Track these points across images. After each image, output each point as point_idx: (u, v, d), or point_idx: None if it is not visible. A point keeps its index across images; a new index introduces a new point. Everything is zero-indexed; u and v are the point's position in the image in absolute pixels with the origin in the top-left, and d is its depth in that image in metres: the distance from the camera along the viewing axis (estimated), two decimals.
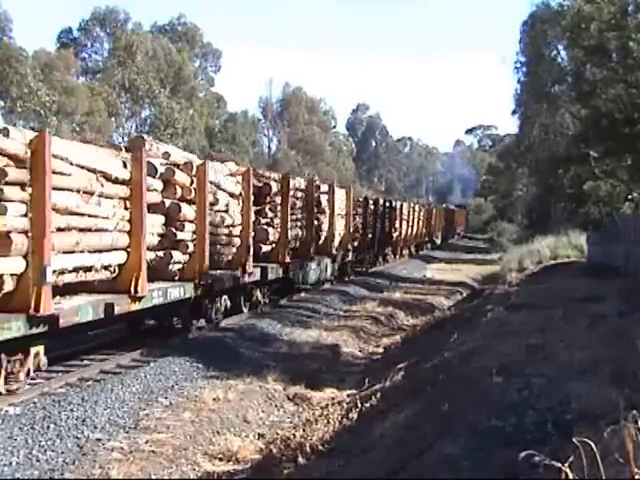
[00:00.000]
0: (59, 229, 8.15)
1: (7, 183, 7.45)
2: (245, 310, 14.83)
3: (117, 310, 9.28)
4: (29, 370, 8.17)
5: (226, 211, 13.42)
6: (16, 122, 39.04)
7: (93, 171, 8.99)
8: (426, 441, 5.19)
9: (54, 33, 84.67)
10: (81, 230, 8.75)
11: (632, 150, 24.41)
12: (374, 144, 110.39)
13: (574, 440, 3.24)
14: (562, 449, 3.64)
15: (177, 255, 11.43)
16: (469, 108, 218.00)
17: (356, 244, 25.38)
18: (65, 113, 43.08)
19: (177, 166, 11.57)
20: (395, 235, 33.88)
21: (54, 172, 7.94)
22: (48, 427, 7.26)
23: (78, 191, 8.63)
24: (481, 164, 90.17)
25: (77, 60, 51.53)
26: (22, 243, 7.59)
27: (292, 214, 17.23)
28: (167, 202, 11.18)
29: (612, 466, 3.20)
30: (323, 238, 20.43)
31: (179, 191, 11.48)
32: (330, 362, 12.27)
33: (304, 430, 7.50)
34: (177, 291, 11.21)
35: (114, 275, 9.69)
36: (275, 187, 16.51)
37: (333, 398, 9.49)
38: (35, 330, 7.76)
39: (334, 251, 21.39)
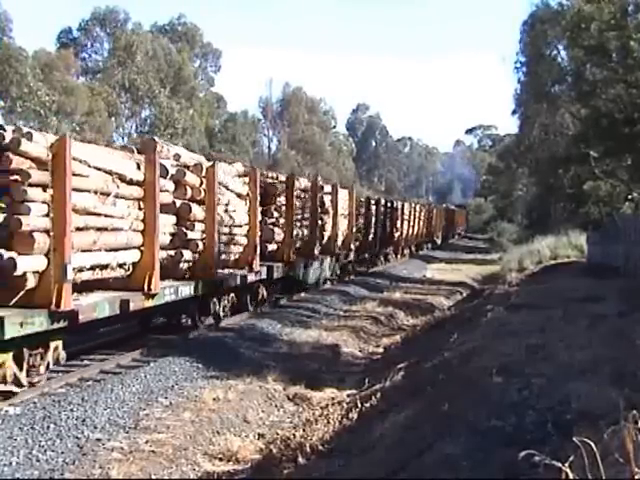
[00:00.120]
0: (78, 229, 8.47)
1: (30, 185, 7.80)
2: (251, 308, 15.12)
3: (132, 307, 9.61)
4: (49, 363, 8.48)
5: (234, 211, 13.66)
6: (16, 122, 39.04)
7: (109, 173, 9.33)
8: (426, 441, 5.19)
9: (54, 33, 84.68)
10: (98, 229, 9.09)
11: (632, 150, 24.42)
12: (374, 144, 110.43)
13: (574, 440, 3.24)
14: (562, 449, 3.64)
15: (187, 254, 11.75)
16: (469, 108, 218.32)
17: (358, 244, 25.62)
18: (65, 113, 43.05)
19: (187, 167, 11.92)
20: (396, 235, 34.11)
21: (73, 174, 8.26)
22: (48, 427, 7.26)
23: (95, 192, 8.98)
24: (481, 164, 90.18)
25: (77, 60, 51.51)
26: (44, 242, 7.90)
27: (297, 214, 17.61)
28: (178, 202, 11.50)
29: (612, 466, 3.20)
30: (326, 238, 20.71)
31: (189, 192, 11.81)
32: (330, 362, 12.27)
33: (304, 430, 7.50)
34: (187, 289, 11.53)
35: (128, 273, 10.02)
36: (280, 188, 16.86)
37: (333, 398, 9.49)
38: (56, 325, 8.08)
39: (337, 250, 21.74)
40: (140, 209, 10.14)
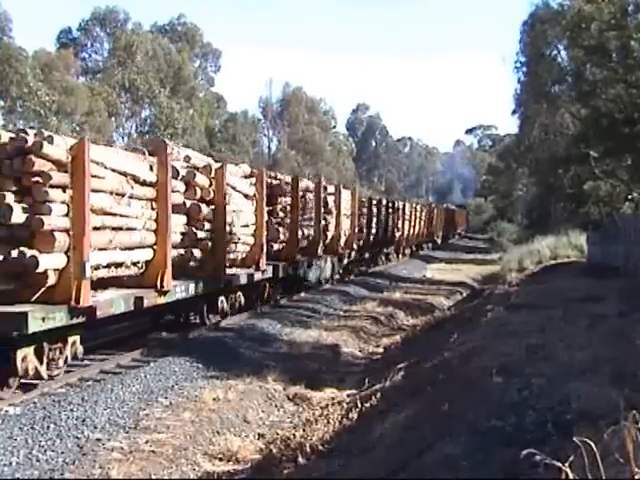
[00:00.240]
0: (95, 228, 8.79)
1: (51, 186, 8.12)
2: (257, 306, 15.52)
3: (146, 303, 9.96)
4: (67, 357, 8.82)
5: (241, 211, 13.96)
6: (16, 122, 39.06)
7: (124, 174, 9.65)
8: (426, 441, 5.18)
9: (54, 33, 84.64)
10: (114, 229, 9.41)
11: (632, 150, 24.41)
12: (374, 144, 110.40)
13: (574, 440, 3.24)
14: (562, 449, 3.64)
15: (197, 253, 12.10)
16: (469, 108, 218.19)
17: (361, 243, 25.94)
18: (65, 113, 43.03)
19: (197, 169, 12.27)
20: (398, 235, 34.41)
21: (91, 175, 8.58)
22: (48, 427, 7.26)
23: (111, 193, 9.31)
24: (481, 164, 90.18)
25: (77, 60, 51.47)
26: (64, 241, 8.23)
27: (301, 214, 17.99)
28: (188, 203, 11.83)
29: (612, 466, 3.20)
30: (330, 237, 21.08)
31: (199, 192, 12.12)
32: (330, 362, 12.27)
33: (304, 430, 7.50)
34: (197, 287, 11.86)
35: (141, 271, 10.34)
36: (286, 188, 17.24)
37: (333, 398, 9.49)
38: (75, 320, 8.42)
39: (340, 250, 22.10)
40: (153, 209, 10.47)
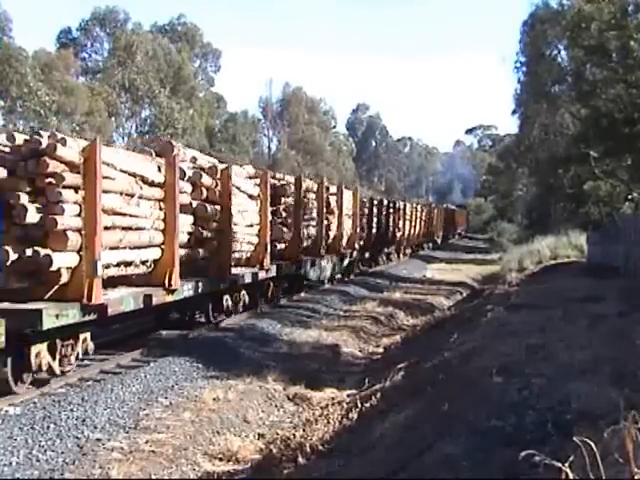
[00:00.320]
0: (106, 228, 9.03)
1: (64, 187, 8.35)
2: (261, 305, 15.78)
3: (154, 301, 10.17)
4: (78, 354, 9.04)
5: (246, 211, 14.22)
6: (16, 122, 39.07)
7: (133, 175, 9.91)
8: (426, 441, 5.18)
9: (54, 33, 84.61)
10: (123, 229, 9.66)
11: (632, 150, 24.40)
12: (374, 144, 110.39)
13: (574, 440, 3.24)
14: (562, 449, 3.64)
15: (203, 252, 12.43)
16: (469, 108, 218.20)
17: (362, 243, 26.19)
18: (65, 113, 43.03)
19: (203, 170, 12.55)
20: (399, 235, 34.62)
21: (102, 177, 8.81)
22: (48, 427, 7.26)
23: (121, 193, 9.56)
24: (481, 164, 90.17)
25: (77, 60, 51.45)
26: (76, 240, 8.48)
27: (304, 214, 18.28)
28: (194, 203, 12.08)
29: (612, 466, 3.19)
30: (332, 237, 21.36)
31: (205, 193, 12.43)
32: (330, 362, 12.26)
33: (304, 430, 7.50)
34: (204, 285, 12.09)
35: (150, 269, 10.58)
36: (289, 189, 17.52)
37: (333, 398, 9.49)
38: (87, 317, 8.66)
39: (342, 250, 22.39)
40: (161, 209, 10.72)
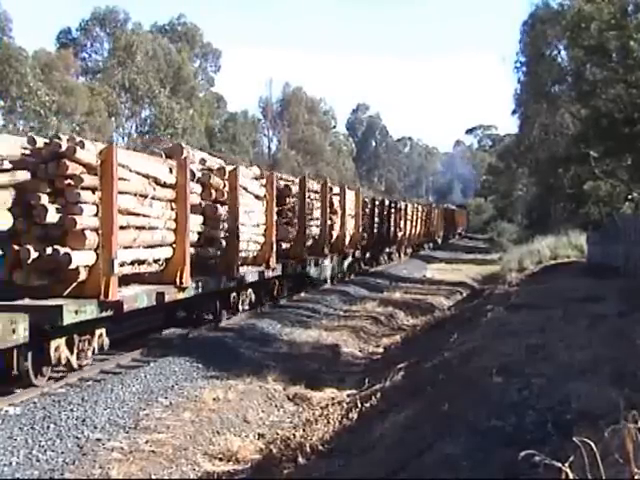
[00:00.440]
0: (121, 227, 9.36)
1: (82, 188, 8.71)
2: (266, 303, 16.12)
3: (167, 298, 10.60)
4: (94, 349, 9.38)
5: (253, 212, 14.57)
6: (16, 122, 39.06)
7: (146, 177, 10.29)
8: (426, 441, 5.18)
9: (54, 33, 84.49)
10: (137, 228, 10.02)
11: (632, 150, 24.39)
12: (374, 144, 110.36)
13: (574, 440, 3.24)
14: (562, 449, 3.64)
15: (212, 251, 12.81)
16: (469, 108, 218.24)
17: (364, 243, 26.51)
18: (65, 113, 43.02)
19: (211, 171, 12.93)
20: (400, 235, 34.83)
21: (118, 178, 9.16)
22: (48, 427, 7.26)
23: (135, 194, 9.92)
24: (481, 164, 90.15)
25: (77, 60, 51.43)
26: (93, 239, 8.85)
27: (308, 214, 18.58)
28: (204, 203, 12.46)
29: (612, 466, 3.19)
30: (335, 237, 21.70)
31: (214, 193, 12.74)
32: (330, 362, 12.26)
33: (304, 430, 7.50)
34: (213, 283, 12.46)
35: (162, 268, 10.93)
36: (293, 189, 17.85)
37: (333, 398, 9.49)
38: (104, 314, 9.03)
39: (345, 249, 22.76)
40: (172, 209, 11.08)
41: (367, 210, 27.72)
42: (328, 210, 20.32)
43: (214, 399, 8.88)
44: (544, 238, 30.69)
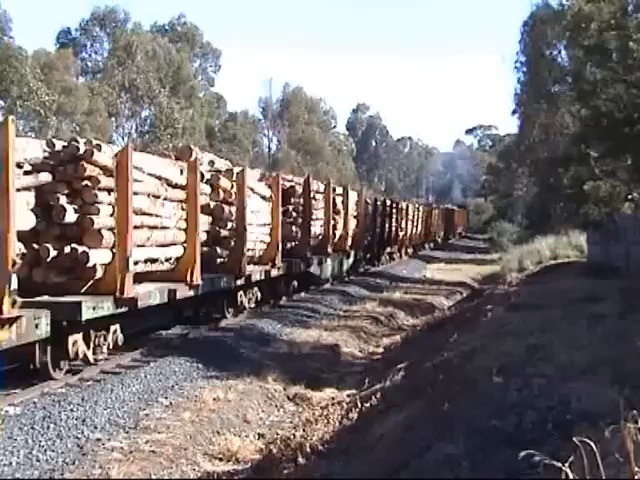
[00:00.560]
0: (135, 227, 9.71)
1: (99, 189, 9.11)
2: (272, 301, 16.45)
3: (178, 295, 10.91)
4: (109, 344, 9.70)
5: (259, 212, 14.97)
6: (16, 122, 38.98)
7: (159, 178, 10.73)
8: (426, 441, 5.18)
9: (54, 33, 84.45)
10: (150, 228, 10.41)
11: (632, 150, 24.37)
12: (374, 144, 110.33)
13: (574, 440, 3.24)
14: (562, 449, 3.64)
15: (220, 250, 13.19)
16: (469, 108, 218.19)
17: (367, 242, 26.84)
18: (65, 113, 43.01)
19: (220, 172, 13.42)
20: (401, 234, 35.01)
21: (133, 179, 9.49)
22: (48, 427, 7.26)
23: (148, 195, 10.31)
24: (481, 164, 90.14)
25: (77, 60, 51.39)
26: (110, 238, 9.23)
27: (312, 214, 18.89)
28: (212, 204, 12.87)
29: (612, 466, 3.19)
30: (338, 236, 22.06)
31: (222, 194, 13.18)
32: (330, 362, 12.26)
33: (304, 430, 7.50)
34: (221, 281, 12.83)
35: (173, 266, 11.30)
36: (298, 190, 18.19)
37: (333, 398, 9.49)
38: (120, 310, 9.36)
39: (348, 248, 23.13)
40: (183, 210, 11.47)
41: (369, 210, 27.91)
42: (331, 210, 20.64)
43: (214, 399, 8.87)
44: (544, 238, 30.66)
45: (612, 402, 4.19)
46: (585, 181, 32.06)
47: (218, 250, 13.04)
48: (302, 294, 18.93)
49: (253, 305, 15.01)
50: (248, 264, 14.04)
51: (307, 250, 18.31)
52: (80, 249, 8.84)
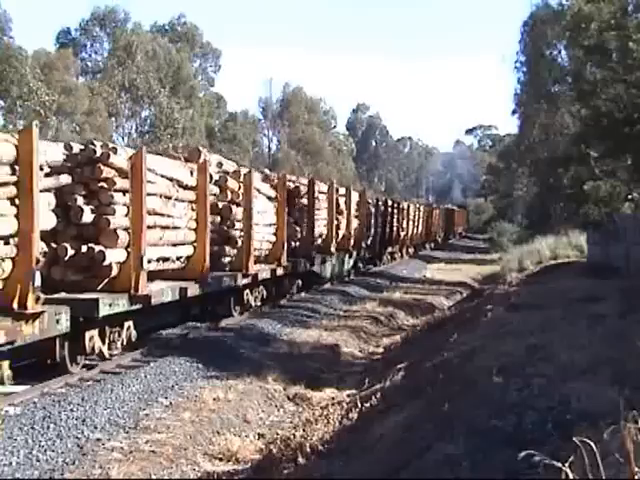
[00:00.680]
0: (149, 227, 10.02)
1: (115, 190, 9.45)
2: (277, 299, 16.80)
3: (189, 293, 11.26)
4: (123, 340, 10.02)
5: (265, 212, 15.38)
6: (16, 122, 39.03)
7: (170, 179, 11.08)
8: (426, 441, 5.18)
9: (54, 33, 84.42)
10: (163, 228, 10.77)
11: (632, 150, 24.37)
12: (374, 144, 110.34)
13: (574, 440, 3.24)
14: (562, 449, 3.64)
15: (228, 250, 13.58)
16: (469, 108, 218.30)
17: (369, 242, 27.20)
18: (65, 113, 43.01)
19: (228, 174, 13.83)
20: (402, 234, 35.22)
21: (146, 181, 9.76)
22: (48, 427, 7.26)
23: (161, 196, 10.66)
24: (481, 164, 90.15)
25: (77, 60, 51.39)
26: (125, 237, 9.57)
27: (316, 214, 19.24)
28: (221, 204, 13.29)
29: (612, 466, 3.19)
30: (341, 236, 22.39)
31: (230, 195, 13.60)
32: (330, 362, 12.26)
33: (304, 430, 7.50)
34: (229, 280, 13.18)
35: (183, 265, 11.67)
36: (302, 190, 18.55)
37: (333, 398, 9.49)
38: (134, 307, 9.70)
39: (350, 248, 23.51)
40: (193, 210, 11.80)
41: (371, 210, 28.16)
42: (334, 210, 20.95)
43: (214, 399, 8.87)
44: (544, 238, 30.66)
45: (612, 402, 4.19)
46: (585, 181, 32.06)
47: (226, 249, 13.41)
48: (302, 294, 18.93)
49: (259, 303, 15.30)
50: (255, 263, 14.36)
51: (311, 249, 18.67)
52: (97, 248, 9.20)
